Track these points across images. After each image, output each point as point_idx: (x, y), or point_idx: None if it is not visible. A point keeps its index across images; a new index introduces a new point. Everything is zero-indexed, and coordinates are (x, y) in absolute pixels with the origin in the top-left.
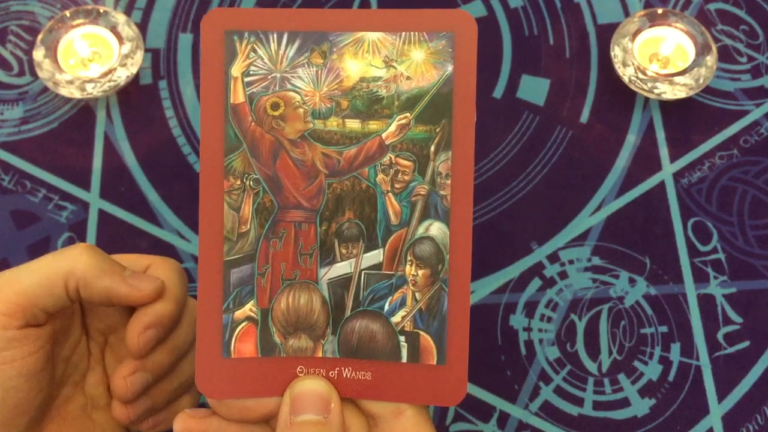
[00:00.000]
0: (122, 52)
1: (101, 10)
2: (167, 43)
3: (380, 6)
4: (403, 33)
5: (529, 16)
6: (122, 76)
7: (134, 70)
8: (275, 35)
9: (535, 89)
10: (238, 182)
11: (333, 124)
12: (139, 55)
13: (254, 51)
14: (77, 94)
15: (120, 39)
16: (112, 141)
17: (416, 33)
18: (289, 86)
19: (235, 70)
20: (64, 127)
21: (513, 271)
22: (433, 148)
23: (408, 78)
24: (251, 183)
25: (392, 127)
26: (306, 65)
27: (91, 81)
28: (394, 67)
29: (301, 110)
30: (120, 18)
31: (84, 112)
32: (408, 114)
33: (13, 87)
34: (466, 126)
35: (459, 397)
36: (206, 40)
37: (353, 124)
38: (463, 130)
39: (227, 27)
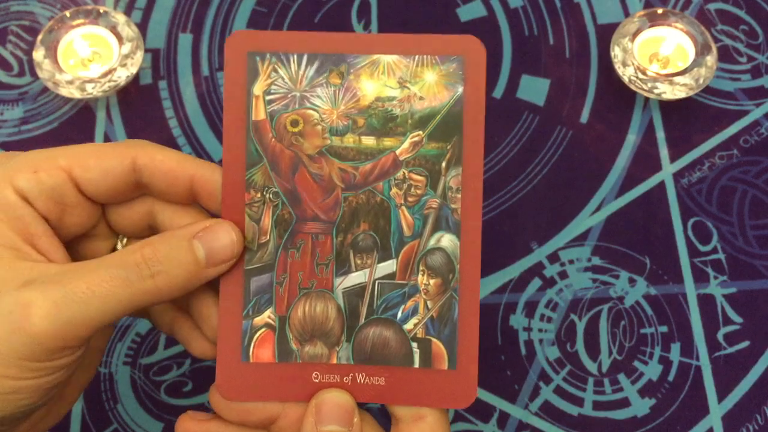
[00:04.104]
0: (122, 52)
1: (101, 10)
2: (167, 43)
3: (380, 9)
4: (417, 56)
5: (529, 16)
6: (122, 76)
7: (134, 70)
8: (295, 56)
9: (535, 89)
10: (259, 195)
11: (349, 140)
12: (139, 55)
13: (275, 71)
14: (77, 94)
15: (120, 39)
16: (112, 141)
17: (429, 56)
18: (308, 104)
19: (257, 89)
20: (64, 127)
21: (513, 271)
22: (444, 164)
23: (421, 98)
24: (271, 196)
25: (406, 144)
26: (324, 85)
27: (91, 81)
28: (408, 88)
29: (319, 127)
30: (120, 18)
31: (84, 112)
32: (421, 132)
33: (13, 87)
34: (476, 143)
35: (469, 400)
36: (230, 60)
37: (369, 141)
38: (472, 147)
39: (250, 48)
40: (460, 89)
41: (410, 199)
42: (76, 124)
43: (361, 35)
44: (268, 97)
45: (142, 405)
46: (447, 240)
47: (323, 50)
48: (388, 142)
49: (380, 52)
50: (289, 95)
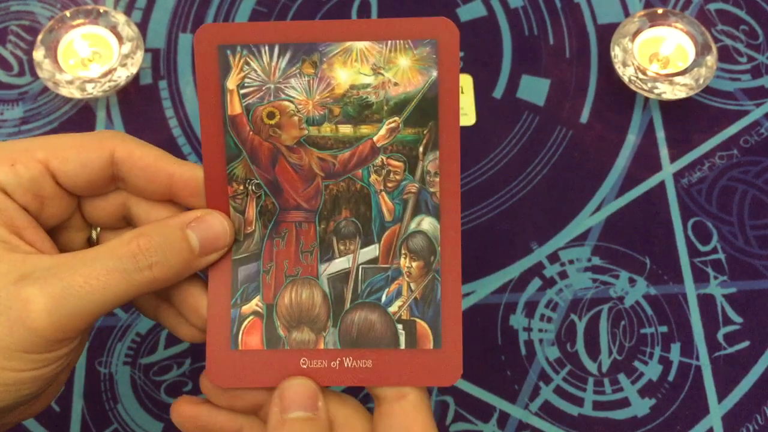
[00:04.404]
0: (122, 52)
1: (101, 10)
2: (167, 43)
3: (380, 9)
4: (389, 41)
5: (529, 16)
6: (122, 76)
7: (134, 70)
8: (267, 48)
9: (535, 89)
10: (241, 187)
11: (327, 129)
12: (139, 55)
13: (247, 64)
14: (77, 94)
15: (120, 39)
16: None
17: (401, 41)
18: (283, 96)
19: (231, 83)
20: (64, 127)
21: (513, 271)
22: (421, 148)
23: (395, 84)
24: (253, 188)
25: (382, 131)
26: (298, 75)
27: (91, 81)
28: (382, 74)
29: (295, 118)
30: (120, 18)
31: (84, 112)
32: (397, 118)
33: (13, 87)
34: (452, 126)
35: (455, 377)
36: (200, 55)
37: (346, 129)
38: (448, 131)
39: (219, 42)
40: (434, 73)
41: (389, 184)
42: (76, 124)
43: (332, 22)
44: (242, 91)
45: (142, 405)
46: (427, 223)
47: (294, 39)
48: (365, 129)
49: (352, 39)
50: (264, 87)
